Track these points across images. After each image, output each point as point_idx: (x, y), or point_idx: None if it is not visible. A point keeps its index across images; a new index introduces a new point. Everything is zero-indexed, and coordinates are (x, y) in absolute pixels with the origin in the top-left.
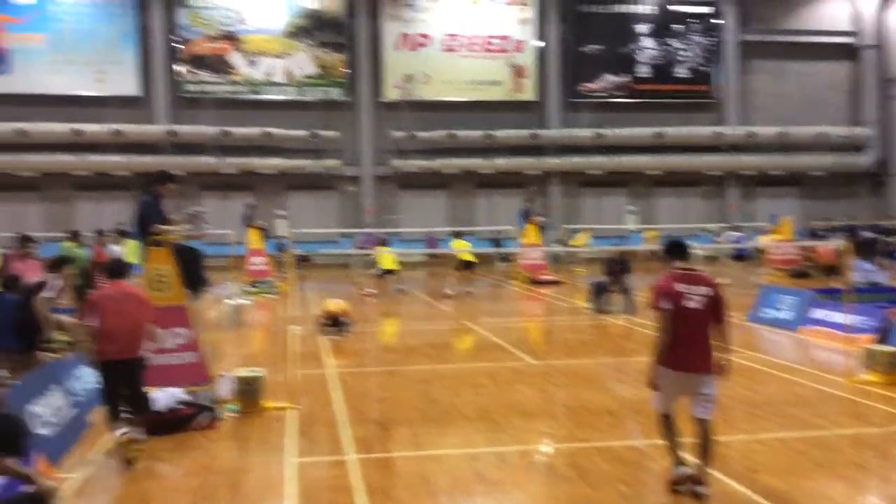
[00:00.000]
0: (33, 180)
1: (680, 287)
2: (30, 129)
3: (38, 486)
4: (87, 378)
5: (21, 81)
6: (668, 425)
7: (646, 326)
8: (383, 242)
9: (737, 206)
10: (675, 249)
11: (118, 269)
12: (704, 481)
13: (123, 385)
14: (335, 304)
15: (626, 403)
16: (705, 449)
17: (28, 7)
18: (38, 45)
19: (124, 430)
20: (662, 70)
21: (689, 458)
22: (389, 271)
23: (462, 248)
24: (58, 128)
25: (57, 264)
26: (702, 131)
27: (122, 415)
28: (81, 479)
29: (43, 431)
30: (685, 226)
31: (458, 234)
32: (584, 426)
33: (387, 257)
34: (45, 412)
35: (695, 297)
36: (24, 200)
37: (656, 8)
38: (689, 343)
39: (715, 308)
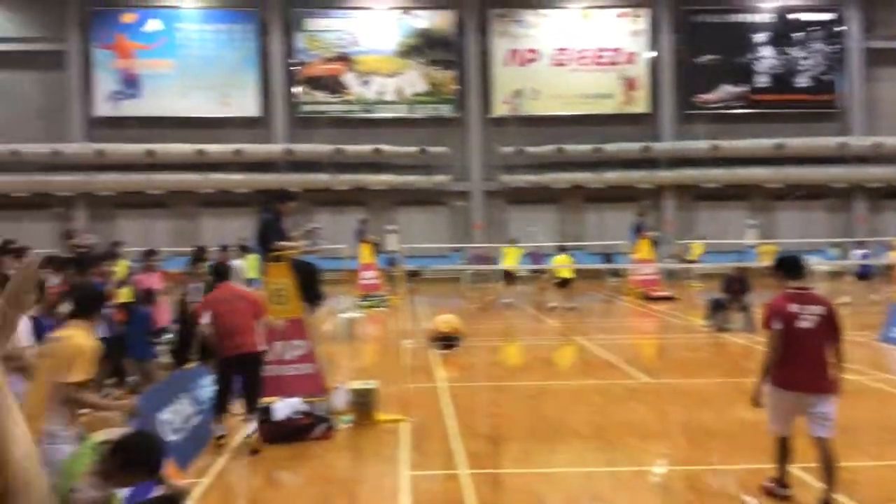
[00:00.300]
0: (161, 198)
1: (793, 307)
2: (158, 149)
3: (171, 488)
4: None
5: (150, 105)
6: (782, 448)
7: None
8: (562, 249)
9: (864, 219)
10: (789, 267)
11: (223, 271)
12: (830, 500)
13: (242, 379)
14: (445, 324)
15: (746, 425)
16: (829, 471)
17: (158, 34)
18: (167, 71)
19: (249, 431)
20: (782, 79)
21: (815, 482)
22: (565, 280)
23: (562, 264)
24: (184, 148)
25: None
26: (825, 142)
27: (230, 412)
28: (206, 486)
29: (172, 438)
30: (808, 240)
31: (562, 249)
32: (702, 447)
33: (561, 262)
34: (175, 420)
35: (808, 317)
36: (153, 217)
37: (775, 16)
38: (803, 363)
39: (829, 327)
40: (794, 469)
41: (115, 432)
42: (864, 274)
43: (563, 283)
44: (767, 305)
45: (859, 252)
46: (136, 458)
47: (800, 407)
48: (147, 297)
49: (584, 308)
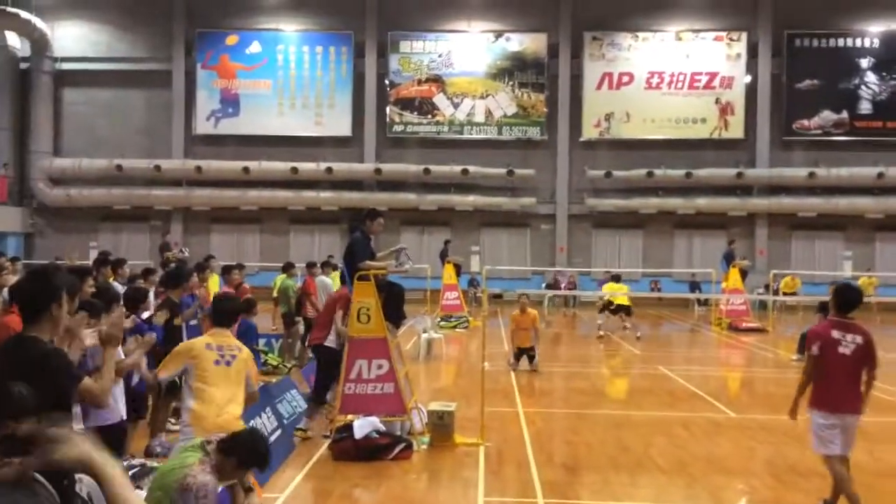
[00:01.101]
0: (254, 214)
1: (836, 334)
2: (253, 167)
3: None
4: (296, 402)
5: (248, 123)
6: (836, 469)
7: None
8: (615, 279)
9: None
10: (843, 301)
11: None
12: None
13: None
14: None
15: None
16: (840, 484)
17: (257, 56)
18: (265, 91)
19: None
20: (886, 106)
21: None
22: (620, 307)
23: (615, 291)
24: (278, 166)
25: None
26: None
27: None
28: (282, 501)
29: None
30: (871, 274)
31: (615, 278)
32: (791, 487)
33: (613, 290)
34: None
35: (849, 345)
36: (245, 232)
37: (880, 41)
38: (845, 387)
39: (866, 355)
40: None
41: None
42: None
43: (619, 310)
44: (811, 331)
45: None
46: (250, 454)
47: (842, 428)
48: (249, 307)
49: (669, 337)
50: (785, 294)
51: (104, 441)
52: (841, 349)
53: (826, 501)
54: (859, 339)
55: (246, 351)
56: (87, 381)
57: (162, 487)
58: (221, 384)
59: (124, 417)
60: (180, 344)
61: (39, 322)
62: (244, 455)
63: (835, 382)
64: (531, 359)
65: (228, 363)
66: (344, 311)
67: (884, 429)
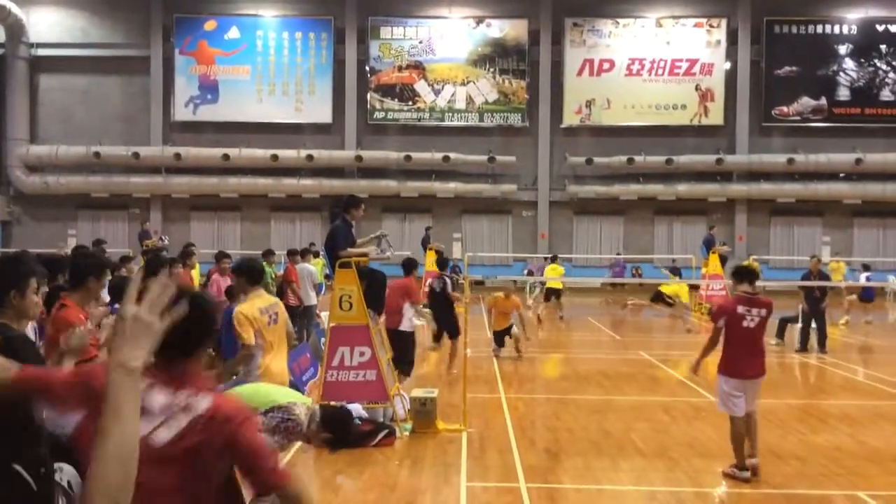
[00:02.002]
0: (234, 201)
1: (740, 309)
2: (233, 154)
3: None
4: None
5: (227, 110)
6: (739, 427)
7: (839, 367)
8: (554, 259)
9: None
10: (743, 275)
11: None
12: (756, 454)
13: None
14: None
15: (817, 449)
16: (753, 434)
17: (236, 42)
18: (244, 77)
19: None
20: (864, 93)
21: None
22: (555, 291)
23: (554, 277)
24: (258, 153)
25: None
26: None
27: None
28: None
29: None
30: (886, 259)
31: (554, 259)
32: (770, 471)
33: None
34: None
35: (754, 318)
36: (225, 220)
37: (859, 28)
38: (749, 355)
39: (766, 324)
40: (862, 494)
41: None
42: None
43: (555, 294)
44: (719, 306)
45: None
46: (343, 433)
47: (746, 390)
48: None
49: (650, 322)
50: None
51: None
52: (745, 323)
53: (744, 469)
54: (763, 311)
55: (278, 302)
56: None
57: (252, 397)
58: (276, 340)
59: None
60: (241, 312)
61: (3, 308)
62: (339, 432)
63: (740, 352)
64: (509, 334)
65: (276, 320)
66: (412, 300)
67: (866, 413)
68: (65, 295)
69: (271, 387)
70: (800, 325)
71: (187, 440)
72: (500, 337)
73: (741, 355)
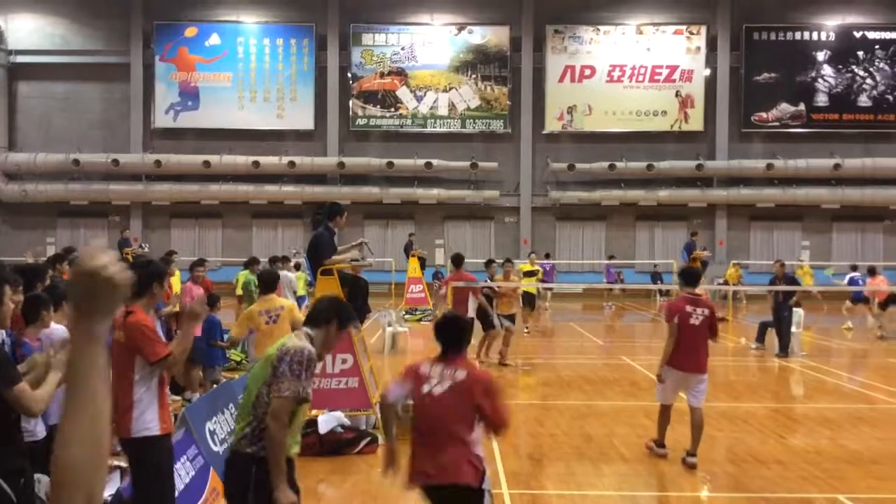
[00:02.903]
0: (215, 208)
1: (688, 308)
2: (214, 161)
3: None
4: None
5: (208, 117)
6: (666, 414)
7: (818, 370)
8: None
9: None
10: (688, 277)
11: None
12: (695, 453)
13: None
14: None
15: (798, 453)
16: (698, 430)
17: (217, 48)
18: (225, 84)
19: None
20: (843, 99)
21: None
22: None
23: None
24: (239, 160)
25: None
26: (886, 163)
27: None
28: None
29: (216, 449)
30: (864, 263)
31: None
32: (751, 475)
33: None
34: (219, 431)
35: (699, 316)
36: (206, 227)
37: (837, 35)
38: (691, 350)
39: (710, 324)
40: (842, 497)
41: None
42: None
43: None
44: (668, 305)
45: None
46: (343, 309)
47: (686, 383)
48: (212, 303)
49: (632, 327)
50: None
51: (49, 441)
52: (692, 320)
53: (688, 451)
54: (706, 311)
55: (288, 304)
56: (20, 387)
57: (262, 366)
58: (271, 339)
59: None
60: (246, 311)
61: None
62: (342, 313)
63: (684, 346)
64: (512, 321)
65: (275, 321)
66: (476, 293)
67: (845, 416)
68: (130, 303)
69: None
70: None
71: (455, 392)
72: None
73: (684, 350)
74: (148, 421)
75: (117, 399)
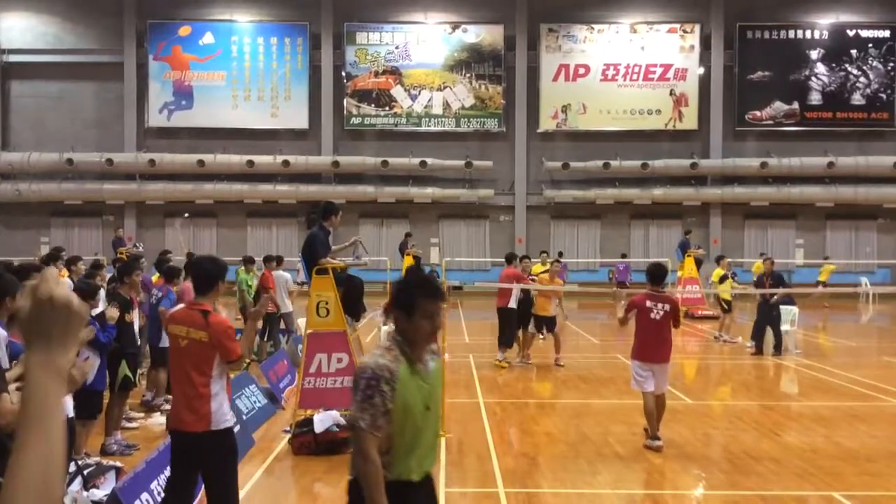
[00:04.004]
0: (209, 207)
1: (648, 303)
2: (208, 160)
3: None
4: (255, 397)
5: (202, 116)
6: (650, 402)
7: (813, 368)
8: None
9: None
10: (653, 276)
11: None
12: (659, 436)
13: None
14: None
15: (792, 451)
16: (662, 411)
17: (211, 47)
18: (219, 83)
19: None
20: (836, 97)
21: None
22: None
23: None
24: (233, 159)
25: None
26: (879, 161)
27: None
28: (241, 497)
29: None
30: (858, 261)
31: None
32: (746, 472)
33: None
34: None
35: (659, 311)
36: (201, 226)
37: (830, 33)
38: (655, 343)
39: (673, 317)
40: (837, 494)
41: None
42: None
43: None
44: (631, 301)
45: None
46: (425, 283)
47: (654, 373)
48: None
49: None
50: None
51: None
52: (652, 315)
53: (646, 429)
54: (667, 306)
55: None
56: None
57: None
58: None
59: (69, 416)
60: None
61: None
62: (424, 288)
63: (647, 340)
64: (550, 328)
65: None
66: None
67: (840, 413)
68: (198, 301)
69: None
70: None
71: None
72: (540, 324)
73: (648, 342)
74: (225, 412)
75: (192, 395)
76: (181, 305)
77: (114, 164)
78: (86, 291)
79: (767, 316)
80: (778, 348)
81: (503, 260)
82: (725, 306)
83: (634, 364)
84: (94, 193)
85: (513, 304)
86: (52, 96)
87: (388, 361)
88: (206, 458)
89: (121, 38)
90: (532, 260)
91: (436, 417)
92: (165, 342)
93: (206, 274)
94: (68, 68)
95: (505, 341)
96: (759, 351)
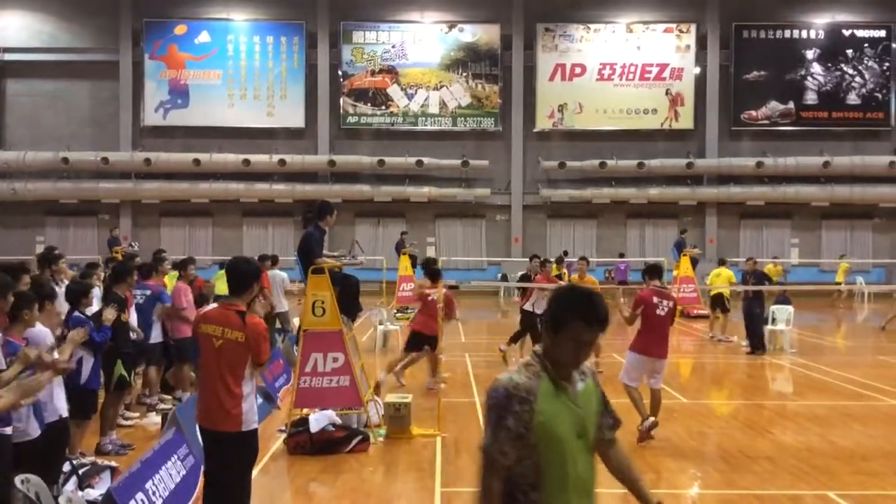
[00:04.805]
0: (205, 206)
1: (655, 299)
2: (204, 159)
3: None
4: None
5: (198, 115)
6: (635, 394)
7: (808, 367)
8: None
9: None
10: (654, 271)
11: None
12: (655, 425)
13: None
14: None
15: (788, 450)
16: (658, 405)
17: (207, 46)
18: (215, 82)
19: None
20: (832, 96)
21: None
22: None
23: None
24: (229, 158)
25: None
26: (875, 161)
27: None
28: None
29: None
30: (854, 260)
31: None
32: (742, 471)
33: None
34: None
35: (664, 308)
36: (197, 225)
37: (826, 32)
38: (659, 339)
39: (673, 314)
40: (831, 494)
41: None
42: None
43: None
44: (636, 296)
45: None
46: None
47: (650, 368)
48: (202, 302)
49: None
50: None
51: (43, 440)
52: (658, 311)
53: (647, 419)
54: (671, 303)
55: None
56: None
57: None
58: None
59: (63, 415)
60: None
61: None
62: (581, 310)
63: (651, 335)
64: None
65: None
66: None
67: (835, 413)
68: (234, 302)
69: None
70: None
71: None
72: None
73: (653, 338)
74: (255, 414)
75: (224, 395)
76: (213, 305)
77: (109, 163)
78: (78, 291)
79: (750, 314)
80: (760, 347)
81: (499, 259)
82: (727, 305)
83: (632, 357)
84: (89, 192)
85: (537, 308)
86: (48, 95)
87: (526, 378)
88: (230, 457)
89: (116, 37)
90: (586, 260)
91: (590, 450)
92: (157, 338)
93: (242, 274)
94: (64, 67)
95: (511, 342)
96: (754, 350)
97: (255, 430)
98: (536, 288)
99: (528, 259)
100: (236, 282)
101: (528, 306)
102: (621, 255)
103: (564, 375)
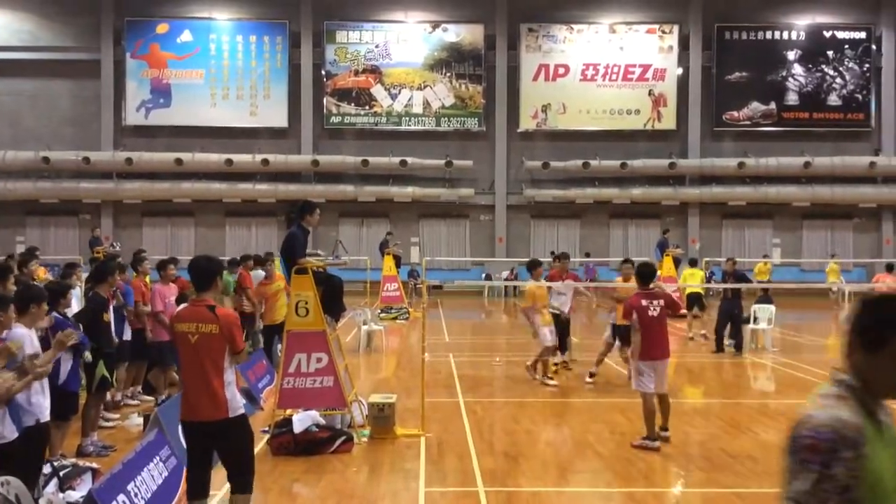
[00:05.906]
0: (187, 206)
1: (643, 302)
2: (186, 158)
3: None
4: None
5: (180, 114)
6: (650, 404)
7: (790, 366)
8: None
9: (893, 241)
10: (644, 277)
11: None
12: (667, 427)
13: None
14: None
15: (770, 448)
16: (668, 409)
17: (189, 45)
18: (197, 81)
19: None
20: (813, 97)
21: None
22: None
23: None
24: (212, 158)
25: None
26: (855, 161)
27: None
28: (219, 499)
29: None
30: (836, 260)
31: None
32: (724, 470)
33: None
34: None
35: (656, 307)
36: (179, 225)
37: (807, 34)
38: (657, 340)
39: (671, 306)
40: None
41: None
42: None
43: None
44: (627, 302)
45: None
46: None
47: (658, 371)
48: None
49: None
50: (758, 280)
51: (23, 442)
52: (650, 312)
53: (661, 427)
54: (662, 301)
55: None
56: None
57: None
58: None
59: (43, 419)
60: None
61: None
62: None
63: (649, 337)
64: (623, 339)
65: None
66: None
67: None
68: (202, 297)
69: None
70: (751, 326)
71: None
72: (616, 331)
73: (651, 340)
74: (239, 400)
75: (207, 386)
76: (185, 305)
77: (90, 162)
78: (56, 291)
79: (728, 314)
80: (739, 347)
81: (483, 259)
82: (704, 303)
83: (641, 365)
84: (70, 192)
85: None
86: (28, 94)
87: (851, 416)
88: (227, 443)
89: (98, 36)
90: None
91: None
92: (127, 337)
93: (203, 271)
94: (45, 66)
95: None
96: (720, 349)
97: (244, 415)
98: (573, 289)
99: (511, 259)
100: (199, 279)
101: (553, 309)
102: (587, 255)
103: (876, 408)
